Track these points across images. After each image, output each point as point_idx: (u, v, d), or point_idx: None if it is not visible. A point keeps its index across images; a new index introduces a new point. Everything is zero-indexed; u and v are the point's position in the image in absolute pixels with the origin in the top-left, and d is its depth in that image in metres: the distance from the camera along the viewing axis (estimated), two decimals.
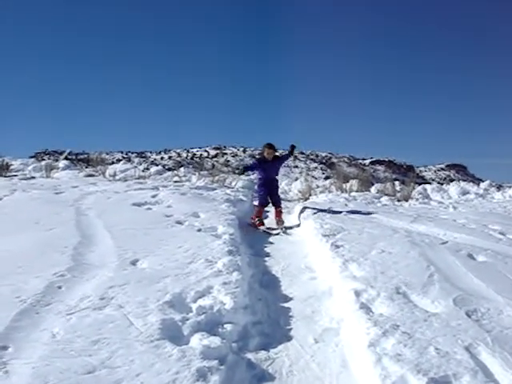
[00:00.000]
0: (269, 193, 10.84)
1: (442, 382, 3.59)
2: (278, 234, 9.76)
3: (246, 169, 11.13)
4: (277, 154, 10.99)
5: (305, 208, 11.71)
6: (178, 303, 4.95)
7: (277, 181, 11.20)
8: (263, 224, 10.34)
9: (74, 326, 4.32)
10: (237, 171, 11.83)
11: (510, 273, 6.23)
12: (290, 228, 10.34)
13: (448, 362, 3.86)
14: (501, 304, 5.13)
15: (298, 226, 10.56)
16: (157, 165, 26.46)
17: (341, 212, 11.29)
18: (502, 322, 4.67)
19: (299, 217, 11.06)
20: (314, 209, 11.47)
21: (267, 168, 10.74)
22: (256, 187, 11.52)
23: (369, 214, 11.36)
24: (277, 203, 10.83)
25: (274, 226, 10.38)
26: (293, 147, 10.87)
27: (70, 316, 4.54)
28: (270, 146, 10.67)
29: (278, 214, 10.60)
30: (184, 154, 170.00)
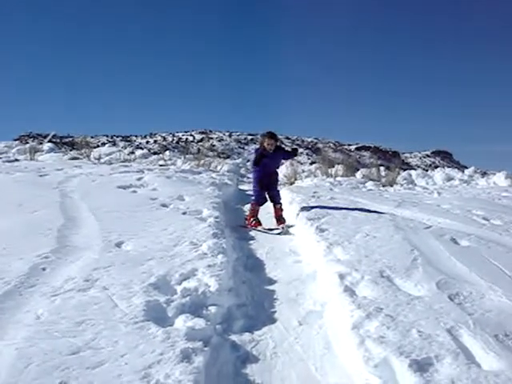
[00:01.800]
0: (267, 188, 9.16)
1: (424, 363, 3.62)
2: (279, 234, 8.63)
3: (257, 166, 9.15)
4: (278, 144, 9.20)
5: (290, 192, 11.72)
6: (162, 285, 4.96)
7: (276, 174, 9.43)
8: (260, 224, 9.03)
9: (59, 308, 4.32)
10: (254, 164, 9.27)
11: (493, 257, 6.29)
12: (292, 226, 8.95)
13: (430, 344, 3.90)
14: (483, 288, 5.19)
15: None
16: (142, 148, 26.37)
17: (326, 196, 11.34)
18: (484, 306, 4.72)
19: (284, 201, 11.02)
20: (299, 193, 11.50)
21: (268, 162, 8.94)
22: (253, 182, 9.48)
23: (354, 198, 11.41)
24: (276, 200, 9.18)
25: (274, 226, 9.04)
26: (295, 150, 9.83)
27: (55, 297, 4.53)
28: (271, 136, 8.82)
29: (278, 211, 9.12)
30: (169, 138, 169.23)
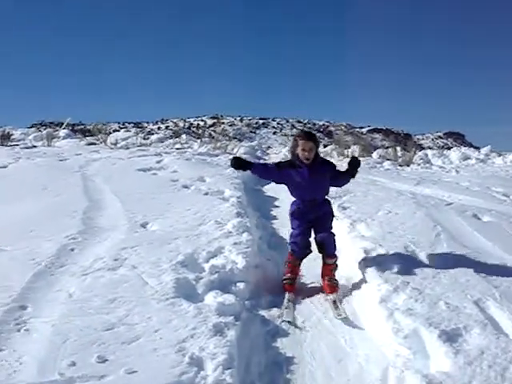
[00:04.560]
0: (310, 228, 5.28)
1: (453, 334, 3.66)
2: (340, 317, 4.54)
3: (247, 166, 5.26)
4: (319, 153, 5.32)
5: None
6: (190, 263, 5.02)
7: (327, 204, 5.37)
8: (293, 288, 5.14)
9: (90, 286, 4.40)
10: (230, 162, 5.32)
11: None
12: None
13: (458, 315, 3.94)
14: (507, 261, 5.23)
15: None
16: (152, 134, 26.48)
17: None
18: (510, 279, 4.75)
19: None
20: None
21: (304, 179, 5.08)
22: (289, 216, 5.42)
23: (372, 177, 11.43)
24: (327, 249, 5.16)
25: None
26: (355, 163, 5.32)
27: (85, 276, 4.61)
28: (310, 136, 5.13)
29: (328, 269, 5.20)
30: (181, 124, 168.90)
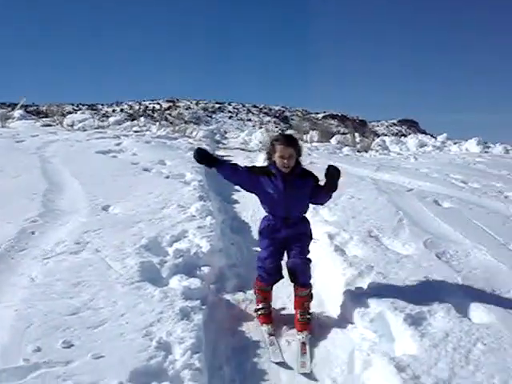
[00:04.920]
0: (281, 249, 4.31)
1: (417, 317, 3.74)
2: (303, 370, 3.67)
3: (212, 162, 4.29)
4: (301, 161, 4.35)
5: None
6: (154, 247, 4.99)
7: (305, 223, 4.44)
8: (270, 320, 4.22)
9: (52, 270, 4.32)
10: (194, 154, 4.22)
11: (475, 218, 6.45)
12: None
13: (422, 299, 4.02)
14: (468, 247, 5.35)
15: None
16: (108, 117, 26.12)
17: (305, 161, 11.39)
18: (470, 264, 4.88)
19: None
20: None
21: (278, 191, 4.18)
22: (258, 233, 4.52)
23: (333, 163, 11.51)
24: (299, 277, 4.18)
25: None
26: (334, 174, 4.32)
27: (47, 260, 4.53)
28: (290, 141, 4.20)
29: (300, 304, 4.22)
30: (136, 107, 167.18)
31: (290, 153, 4.07)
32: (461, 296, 4.13)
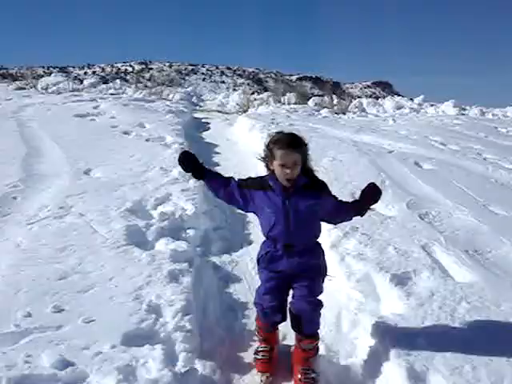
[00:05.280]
0: (285, 285, 3.14)
1: (403, 277, 3.80)
2: None
3: (199, 171, 3.14)
4: (311, 167, 3.11)
5: (249, 119, 11.69)
6: (139, 210, 4.99)
7: (317, 253, 3.25)
8: (269, 368, 3.19)
9: (38, 235, 4.30)
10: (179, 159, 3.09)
11: (456, 179, 6.52)
12: None
13: (407, 259, 4.09)
14: (450, 207, 5.41)
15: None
16: (81, 80, 25.70)
17: (285, 123, 11.39)
18: (453, 224, 4.95)
19: (244, 128, 10.98)
20: (257, 120, 11.49)
21: (276, 209, 2.98)
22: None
23: (312, 125, 11.53)
24: (304, 327, 3.08)
25: None
26: (374, 195, 3.08)
27: (31, 225, 4.51)
28: (294, 144, 2.89)
29: (302, 360, 3.15)
30: (108, 69, 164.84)
31: (295, 160, 2.87)
32: (444, 256, 4.20)
